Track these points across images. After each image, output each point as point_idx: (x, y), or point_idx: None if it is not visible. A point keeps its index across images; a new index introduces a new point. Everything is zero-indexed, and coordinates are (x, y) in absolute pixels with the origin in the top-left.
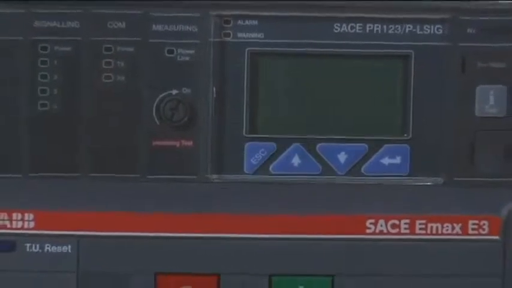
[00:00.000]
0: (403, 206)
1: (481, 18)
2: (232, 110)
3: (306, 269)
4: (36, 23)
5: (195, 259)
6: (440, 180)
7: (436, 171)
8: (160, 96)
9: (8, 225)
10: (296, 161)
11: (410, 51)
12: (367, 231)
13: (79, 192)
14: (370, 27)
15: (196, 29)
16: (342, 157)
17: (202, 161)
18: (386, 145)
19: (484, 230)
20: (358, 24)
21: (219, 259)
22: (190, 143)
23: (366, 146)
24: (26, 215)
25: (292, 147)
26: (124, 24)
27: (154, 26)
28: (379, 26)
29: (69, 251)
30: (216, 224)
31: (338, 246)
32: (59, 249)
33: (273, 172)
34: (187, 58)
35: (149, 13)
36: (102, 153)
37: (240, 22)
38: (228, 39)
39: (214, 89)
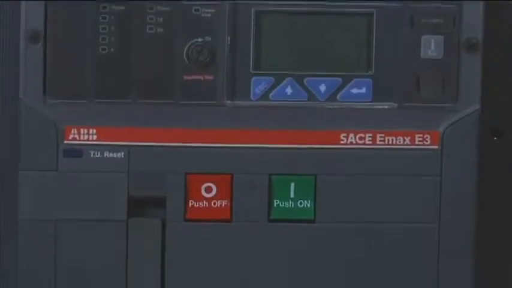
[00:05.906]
0: (368, 124)
1: None
2: (241, 53)
3: (296, 169)
4: None
5: (215, 162)
6: (394, 105)
7: (391, 98)
8: (189, 42)
9: (78, 138)
10: (289, 90)
11: (373, 10)
12: (341, 142)
13: (129, 113)
14: None
15: None
16: (323, 88)
17: (219, 91)
18: (355, 79)
19: (427, 141)
20: None
21: (232, 162)
22: (211, 77)
23: (341, 79)
24: (91, 130)
25: (286, 80)
26: None
27: None
28: None
29: (122, 156)
30: (229, 137)
31: (319, 153)
32: (114, 155)
33: (271, 99)
34: (209, 15)
35: None
36: (147, 84)
37: None
38: (239, 1)
39: (228, 37)
